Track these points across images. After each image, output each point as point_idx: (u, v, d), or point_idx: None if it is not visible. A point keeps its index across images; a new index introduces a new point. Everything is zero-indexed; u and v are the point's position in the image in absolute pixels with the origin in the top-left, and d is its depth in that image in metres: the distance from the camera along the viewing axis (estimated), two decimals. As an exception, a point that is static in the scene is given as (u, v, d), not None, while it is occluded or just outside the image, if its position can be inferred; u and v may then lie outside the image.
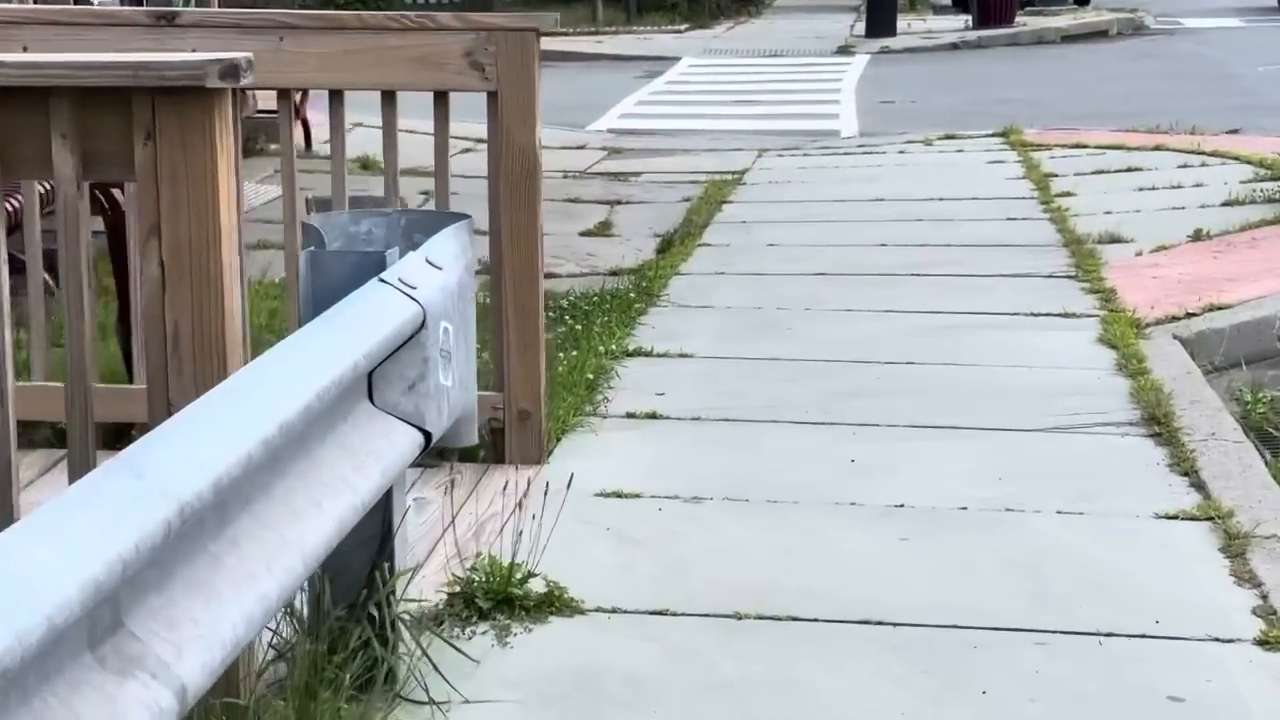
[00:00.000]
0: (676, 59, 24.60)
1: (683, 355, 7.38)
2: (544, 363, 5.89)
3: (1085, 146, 13.72)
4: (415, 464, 5.40)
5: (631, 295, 8.35)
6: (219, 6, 9.00)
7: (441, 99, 5.80)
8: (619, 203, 11.63)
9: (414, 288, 3.96)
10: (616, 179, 12.77)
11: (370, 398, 3.90)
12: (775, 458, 5.99)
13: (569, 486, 4.99)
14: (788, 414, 6.50)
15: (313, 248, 4.18)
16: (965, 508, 5.46)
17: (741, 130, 16.57)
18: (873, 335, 7.72)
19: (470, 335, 4.38)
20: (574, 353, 7.20)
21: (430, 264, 4.18)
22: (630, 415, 6.48)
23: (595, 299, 8.28)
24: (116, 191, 6.33)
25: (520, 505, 5.22)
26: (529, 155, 5.72)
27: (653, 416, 6.46)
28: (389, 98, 5.81)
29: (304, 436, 3.42)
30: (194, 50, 5.65)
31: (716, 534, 5.25)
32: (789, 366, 7.21)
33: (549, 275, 9.27)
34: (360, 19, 5.71)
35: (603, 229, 10.66)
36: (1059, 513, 5.42)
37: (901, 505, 5.48)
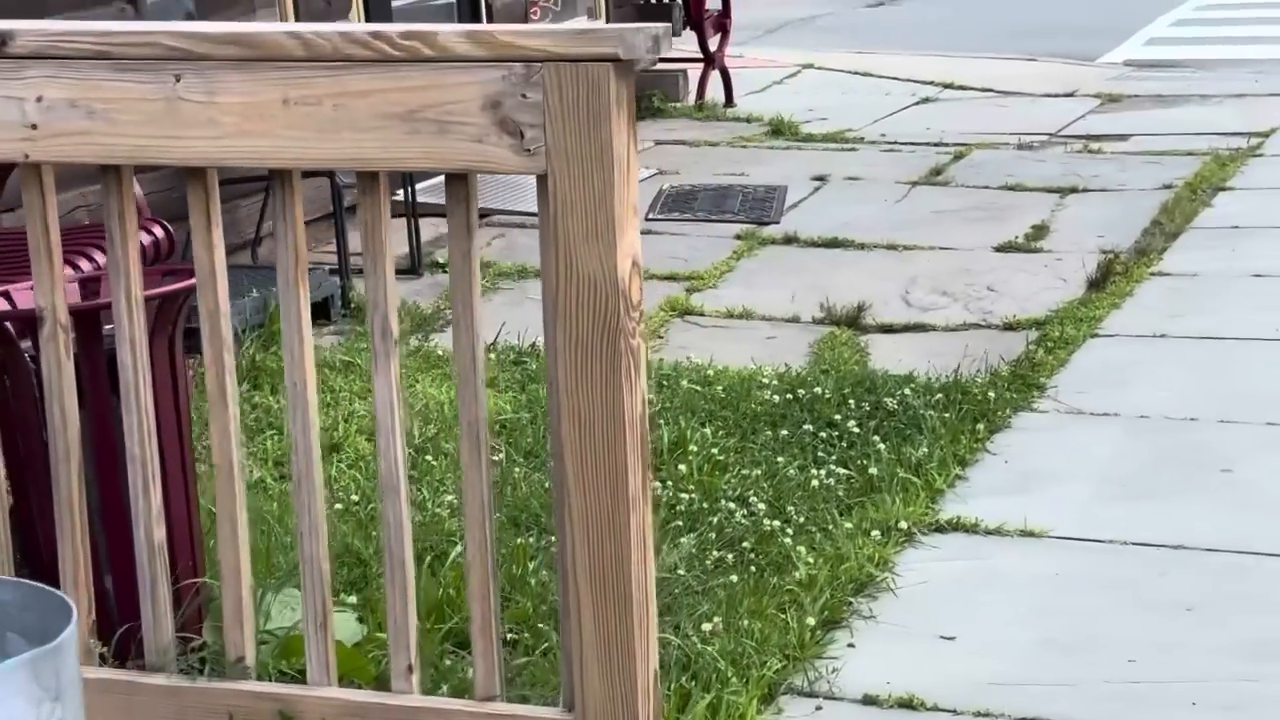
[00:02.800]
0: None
1: (1024, 533, 4.53)
2: (651, 667, 3.18)
3: None
4: None
5: (992, 393, 5.47)
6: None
7: (457, 184, 3.18)
8: (1073, 190, 8.59)
9: None
10: (1086, 149, 9.66)
11: None
12: None
13: None
14: (1146, 714, 3.62)
15: None
16: None
17: (1300, 61, 13.13)
18: (1364, 494, 4.69)
19: None
20: (848, 525, 4.49)
21: None
22: (869, 700, 3.73)
23: (940, 393, 5.46)
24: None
25: None
26: (609, 295, 3.03)
27: (907, 706, 3.70)
28: (368, 180, 3.23)
29: None
30: (39, 99, 3.27)
31: None
32: (1197, 569, 4.28)
33: (916, 328, 6.52)
34: (305, 43, 3.11)
35: (1031, 239, 7.69)
36: None
37: None
